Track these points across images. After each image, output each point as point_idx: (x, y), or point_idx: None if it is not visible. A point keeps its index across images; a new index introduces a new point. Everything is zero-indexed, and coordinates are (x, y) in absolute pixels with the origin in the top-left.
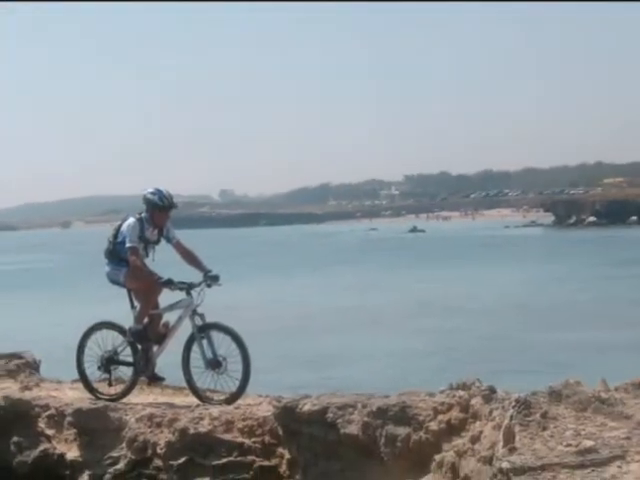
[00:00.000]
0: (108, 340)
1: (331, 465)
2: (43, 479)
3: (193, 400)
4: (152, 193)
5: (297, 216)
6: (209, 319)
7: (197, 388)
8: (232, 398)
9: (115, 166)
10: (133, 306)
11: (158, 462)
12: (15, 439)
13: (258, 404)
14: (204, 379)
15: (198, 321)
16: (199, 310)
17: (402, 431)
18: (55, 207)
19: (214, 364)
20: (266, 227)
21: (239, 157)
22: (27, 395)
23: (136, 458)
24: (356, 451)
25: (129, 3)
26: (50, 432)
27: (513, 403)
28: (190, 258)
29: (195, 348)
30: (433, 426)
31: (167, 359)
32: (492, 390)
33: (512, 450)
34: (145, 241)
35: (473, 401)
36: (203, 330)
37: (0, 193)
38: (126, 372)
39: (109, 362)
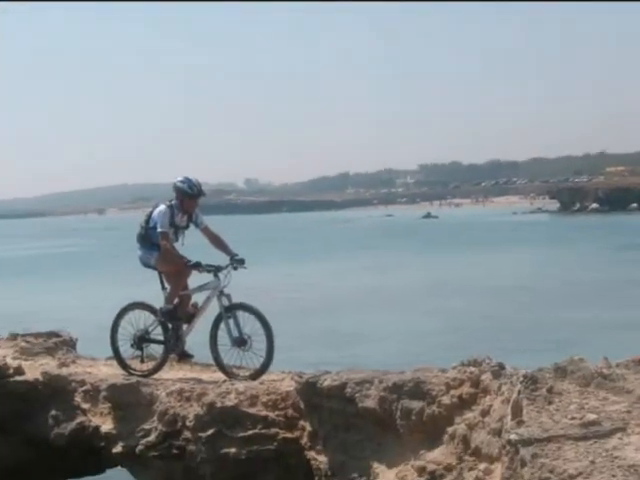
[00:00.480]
0: (140, 320)
1: (350, 437)
2: (79, 451)
3: (220, 376)
4: (182, 182)
5: (317, 203)
6: (235, 300)
7: (224, 364)
8: (256, 374)
9: (146, 156)
10: (164, 287)
11: (187, 434)
12: (53, 413)
13: (281, 380)
14: (230, 356)
15: (225, 301)
16: (226, 291)
17: (416, 405)
18: (88, 195)
19: (240, 342)
20: (288, 213)
21: (263, 148)
22: (64, 371)
23: (166, 430)
24: (373, 423)
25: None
26: (86, 406)
27: (521, 379)
28: (217, 242)
29: (222, 327)
30: (446, 400)
31: (195, 338)
32: (501, 366)
33: (520, 423)
34: (175, 226)
35: (483, 377)
36: (230, 310)
37: (33, 181)
38: (157, 350)
39: (141, 340)
